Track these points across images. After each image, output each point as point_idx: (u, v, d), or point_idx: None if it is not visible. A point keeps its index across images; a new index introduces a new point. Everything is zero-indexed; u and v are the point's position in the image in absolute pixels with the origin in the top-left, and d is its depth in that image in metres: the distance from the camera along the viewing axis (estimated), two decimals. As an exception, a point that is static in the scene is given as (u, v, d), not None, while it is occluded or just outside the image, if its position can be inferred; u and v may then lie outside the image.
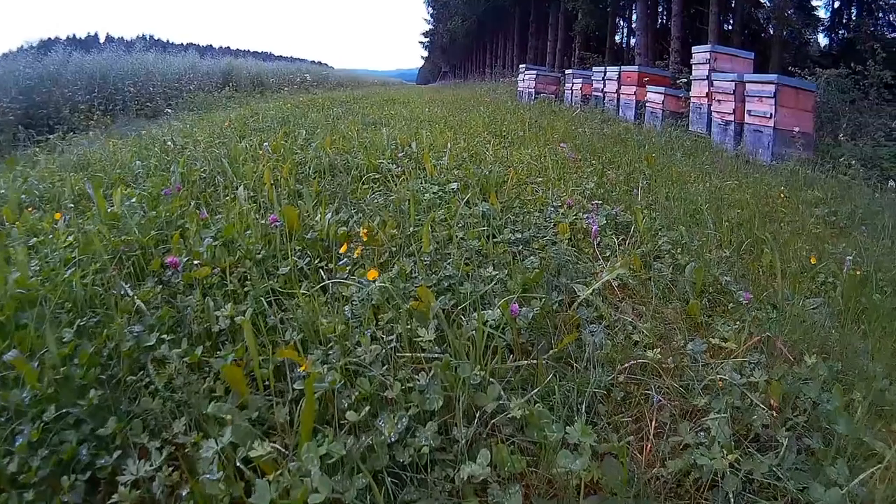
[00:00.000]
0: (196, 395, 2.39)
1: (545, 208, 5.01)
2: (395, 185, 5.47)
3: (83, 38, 44.39)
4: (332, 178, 5.86)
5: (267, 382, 2.49)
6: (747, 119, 10.04)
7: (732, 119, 10.47)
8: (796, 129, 9.25)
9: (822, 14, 22.52)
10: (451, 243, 3.90)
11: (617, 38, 31.38)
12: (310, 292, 3.10)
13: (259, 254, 3.61)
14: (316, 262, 3.64)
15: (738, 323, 3.21)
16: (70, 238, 3.90)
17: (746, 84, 10.18)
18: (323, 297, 3.16)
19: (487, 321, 2.66)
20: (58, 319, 2.91)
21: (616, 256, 3.99)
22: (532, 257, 3.67)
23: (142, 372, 2.55)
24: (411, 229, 4.17)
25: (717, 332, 3.10)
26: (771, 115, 9.41)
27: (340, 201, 4.95)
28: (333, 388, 2.29)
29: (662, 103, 13.21)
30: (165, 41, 48.76)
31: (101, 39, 45.64)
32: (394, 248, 3.86)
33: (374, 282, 2.93)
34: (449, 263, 3.44)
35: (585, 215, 4.68)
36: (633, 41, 29.45)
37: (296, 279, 3.43)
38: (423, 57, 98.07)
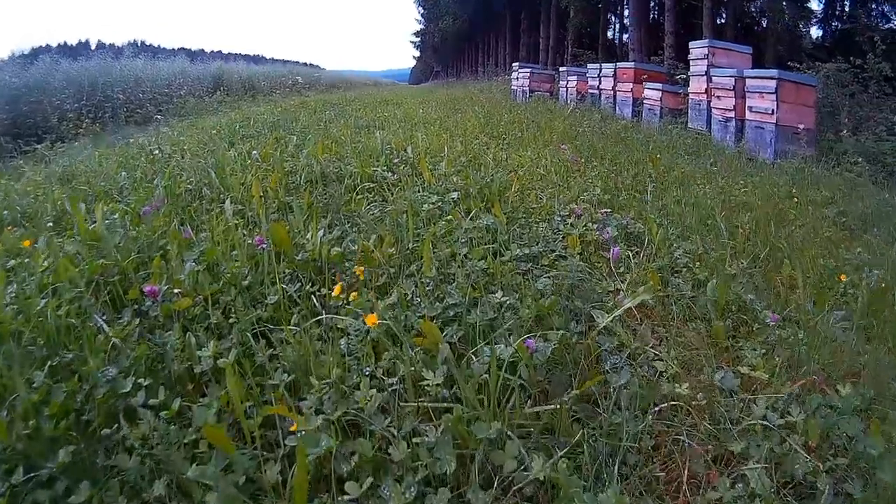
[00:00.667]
0: (177, 452, 2.10)
1: (551, 217, 4.72)
2: (392, 194, 5.18)
3: (74, 45, 43.92)
4: (324, 188, 5.55)
5: (255, 433, 2.20)
6: (748, 115, 9.77)
7: (733, 116, 10.19)
8: (801, 125, 8.99)
9: (815, 6, 22.31)
10: (454, 261, 3.60)
11: (609, 34, 31.20)
12: (301, 327, 2.79)
13: (245, 279, 3.30)
14: (308, 286, 3.31)
15: (765, 347, 2.96)
16: (47, 262, 3.58)
17: (747, 79, 9.92)
18: (316, 328, 2.85)
19: (501, 360, 2.37)
20: (31, 356, 2.63)
21: (631, 271, 3.70)
22: (544, 278, 3.36)
23: (116, 425, 2.26)
24: (410, 245, 3.88)
25: (744, 357, 2.86)
26: (773, 111, 9.15)
27: (333, 215, 4.65)
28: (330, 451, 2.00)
29: (660, 100, 12.90)
30: (156, 46, 48.34)
31: (93, 46, 45.22)
32: (392, 269, 3.55)
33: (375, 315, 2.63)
34: (453, 288, 3.13)
35: (596, 226, 4.40)
36: (625, 37, 29.40)
37: (285, 308, 3.14)
38: (414, 57, 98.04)
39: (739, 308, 3.43)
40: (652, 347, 2.88)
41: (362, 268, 3.27)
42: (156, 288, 3.00)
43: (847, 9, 22.04)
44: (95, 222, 4.23)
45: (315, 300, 3.09)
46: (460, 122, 11.40)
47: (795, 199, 6.03)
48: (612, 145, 8.64)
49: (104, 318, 2.95)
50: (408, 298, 3.03)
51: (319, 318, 2.90)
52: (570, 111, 14.08)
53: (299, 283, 3.33)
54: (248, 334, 2.81)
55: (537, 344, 2.54)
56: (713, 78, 10.91)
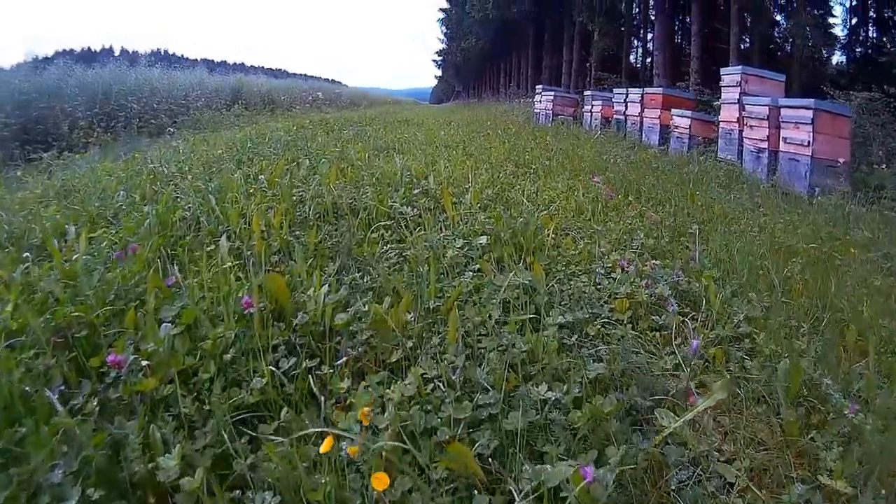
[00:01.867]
0: None
1: (592, 267, 4.13)
2: (411, 233, 4.55)
3: (97, 50, 43.81)
4: (335, 221, 4.97)
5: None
6: (782, 147, 9.18)
7: (766, 146, 9.59)
8: (841, 159, 8.46)
9: (839, 32, 21.76)
10: (484, 328, 2.98)
11: (631, 58, 30.68)
12: (291, 431, 2.17)
13: (229, 350, 2.68)
14: (306, 361, 2.67)
15: (840, 441, 2.43)
16: (11, 305, 2.99)
17: (781, 109, 9.30)
18: (311, 426, 2.23)
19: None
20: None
21: (692, 340, 3.08)
22: (595, 363, 2.73)
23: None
24: (432, 303, 3.27)
25: (820, 457, 2.34)
26: (808, 142, 8.58)
27: (343, 258, 4.04)
28: None
29: (689, 128, 12.30)
30: (179, 56, 48.29)
31: (116, 53, 45.10)
32: (410, 340, 2.92)
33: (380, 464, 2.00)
34: (484, 372, 2.50)
35: (644, 282, 3.77)
36: (648, 61, 28.87)
37: (276, 390, 2.52)
38: (436, 76, 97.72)
39: (808, 386, 2.82)
40: (718, 448, 2.35)
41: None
42: (121, 358, 2.40)
43: (871, 34, 21.42)
44: (78, 252, 3.73)
45: (313, 382, 2.47)
46: (484, 146, 10.82)
47: (839, 241, 5.51)
48: (644, 177, 8.01)
49: (62, 388, 2.40)
50: (428, 388, 2.41)
51: (315, 429, 2.26)
52: (596, 137, 13.48)
53: (295, 358, 2.69)
54: (227, 430, 2.18)
55: (596, 472, 1.90)
56: (746, 106, 10.30)
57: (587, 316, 3.30)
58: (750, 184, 8.73)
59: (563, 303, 3.48)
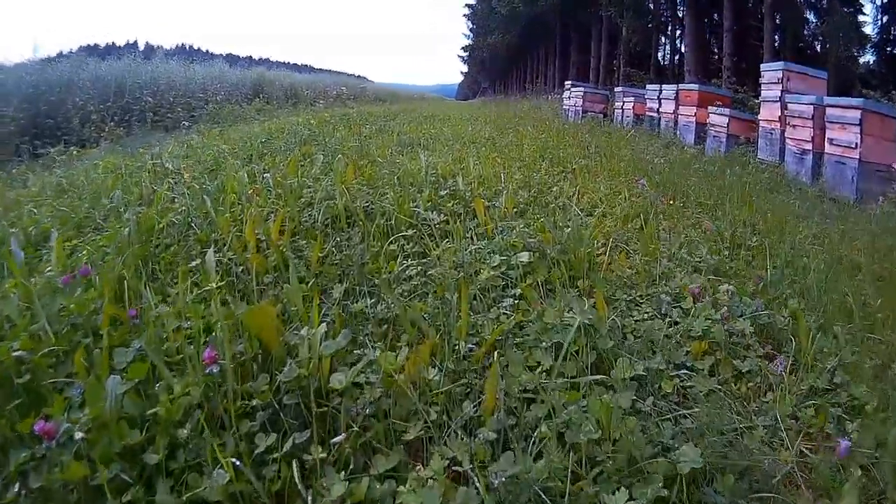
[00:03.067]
0: None
1: (655, 291, 3.41)
2: (437, 244, 3.80)
3: (122, 45, 43.50)
4: (347, 229, 4.25)
5: None
6: (828, 148, 8.41)
7: (810, 148, 8.81)
8: (894, 165, 7.67)
9: (868, 30, 21.02)
10: (534, 383, 2.24)
11: (658, 55, 29.99)
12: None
13: (187, 421, 1.95)
14: (293, 437, 1.93)
15: None
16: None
17: (827, 108, 8.51)
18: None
19: None
20: None
21: (782, 393, 2.37)
22: (683, 447, 1.97)
23: None
24: (463, 345, 2.55)
25: None
26: (856, 144, 7.84)
27: (353, 278, 3.34)
28: None
29: (727, 126, 11.49)
30: (204, 51, 47.90)
31: (141, 47, 44.82)
32: (434, 408, 2.18)
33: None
34: (538, 467, 1.77)
35: (720, 314, 3.03)
36: (675, 59, 28.16)
37: (248, 484, 1.80)
38: (462, 72, 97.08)
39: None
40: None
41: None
42: (51, 426, 1.74)
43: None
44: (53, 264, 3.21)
45: (297, 474, 1.75)
46: (514, 142, 10.08)
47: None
48: (689, 179, 7.29)
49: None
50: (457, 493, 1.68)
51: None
52: (629, 135, 12.72)
53: (276, 434, 1.96)
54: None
55: None
56: (788, 105, 9.52)
57: (662, 366, 2.58)
58: (794, 187, 8.15)
59: (628, 342, 2.77)
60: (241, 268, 3.35)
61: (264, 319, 2.32)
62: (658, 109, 14.81)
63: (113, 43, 44.70)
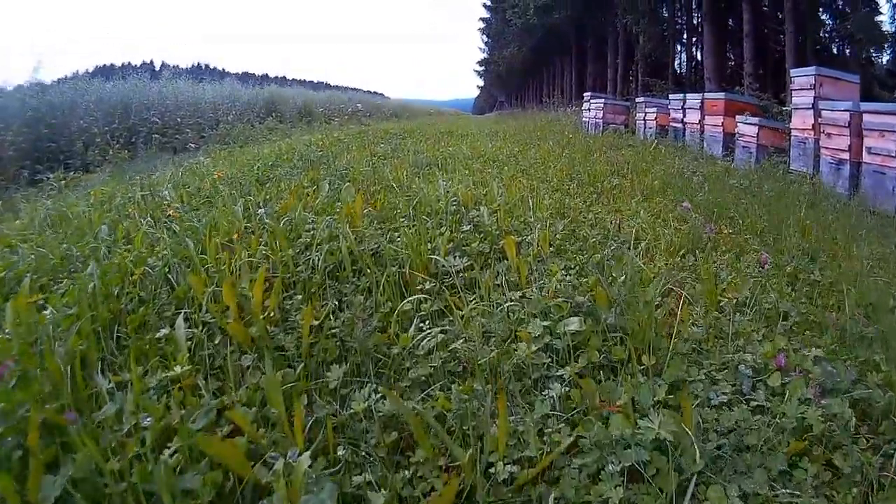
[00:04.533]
0: None
1: (732, 360, 2.68)
2: (461, 299, 3.07)
3: (138, 65, 43.17)
4: (354, 277, 3.51)
5: None
6: (866, 158, 7.65)
7: (847, 157, 8.03)
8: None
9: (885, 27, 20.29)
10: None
11: (675, 63, 29.30)
12: None
13: None
14: None
15: None
16: None
17: (864, 115, 7.74)
18: None
19: None
20: None
21: None
22: None
23: None
24: (502, 471, 1.82)
25: None
26: None
27: (355, 357, 2.62)
28: None
29: (756, 136, 10.69)
30: (220, 70, 47.57)
31: (157, 67, 44.55)
32: None
33: None
34: None
35: (812, 392, 2.29)
36: (692, 66, 27.45)
37: None
38: (478, 86, 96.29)
39: None
40: None
41: None
42: None
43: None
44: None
45: None
46: (538, 159, 9.35)
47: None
48: (732, 198, 6.57)
49: None
50: None
51: None
52: (654, 148, 11.97)
53: None
54: None
55: None
56: (823, 112, 8.72)
57: (762, 488, 1.85)
58: (833, 200, 7.35)
59: (711, 441, 2.05)
60: (215, 344, 2.65)
61: (229, 451, 1.62)
62: (682, 120, 14.02)
63: (129, 63, 44.36)
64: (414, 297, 3.04)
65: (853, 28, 18.41)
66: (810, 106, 9.21)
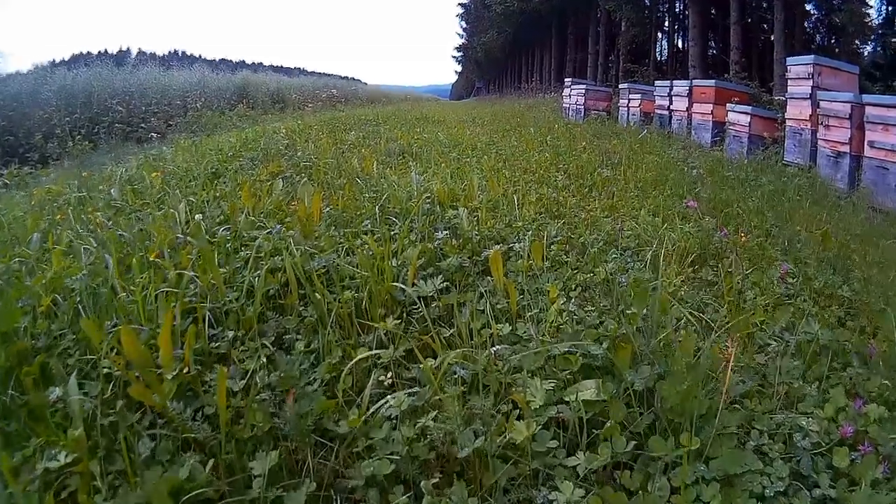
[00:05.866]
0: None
1: (781, 424, 2.05)
2: (434, 338, 2.37)
3: (115, 53, 42.21)
4: (302, 307, 2.76)
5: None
6: (867, 152, 7.09)
7: (847, 150, 7.45)
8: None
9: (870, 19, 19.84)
10: None
11: (655, 51, 28.78)
12: None
13: None
14: None
15: None
16: None
17: (866, 107, 7.15)
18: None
19: None
20: None
21: None
22: None
23: None
24: None
25: None
26: None
27: (289, 446, 1.92)
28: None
29: (749, 125, 10.07)
30: (197, 56, 46.69)
31: (133, 54, 43.57)
32: None
33: None
34: None
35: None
36: (675, 54, 26.89)
37: None
38: (456, 72, 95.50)
39: None
40: None
41: None
42: None
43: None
44: None
45: None
46: (519, 148, 8.66)
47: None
48: (731, 194, 5.94)
49: None
50: None
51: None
52: (641, 136, 11.31)
53: None
54: None
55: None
56: (821, 103, 8.11)
57: None
58: (833, 196, 6.84)
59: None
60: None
61: None
62: (669, 107, 13.41)
63: (105, 50, 43.32)
64: (367, 353, 2.28)
65: (843, 19, 17.88)
66: (808, 96, 8.60)
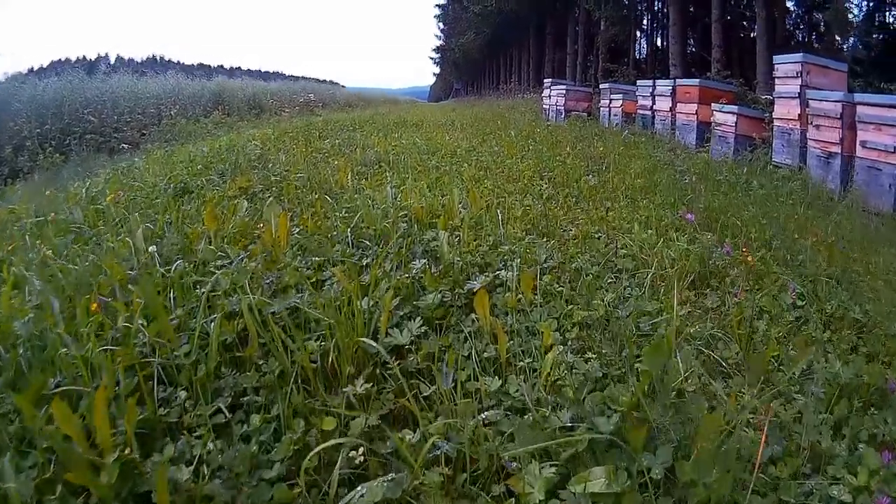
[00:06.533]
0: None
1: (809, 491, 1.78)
2: (412, 402, 2.01)
3: (93, 59, 41.69)
4: (263, 362, 2.34)
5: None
6: (860, 152, 6.87)
7: (838, 151, 7.21)
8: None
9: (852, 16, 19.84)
10: None
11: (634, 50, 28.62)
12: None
13: None
14: None
15: None
16: None
17: (857, 106, 6.93)
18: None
19: None
20: None
21: None
22: None
23: None
24: None
25: None
26: (895, 148, 6.33)
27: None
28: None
29: (735, 126, 9.77)
30: (176, 62, 46.16)
31: (112, 60, 43.02)
32: None
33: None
34: None
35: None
36: (652, 52, 26.71)
37: None
38: (434, 73, 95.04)
39: None
40: None
41: None
42: None
43: (889, 20, 19.51)
44: None
45: None
46: (500, 153, 8.34)
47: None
48: (733, 204, 5.61)
49: None
50: None
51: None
52: (624, 138, 11.01)
53: None
54: None
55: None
56: (811, 102, 7.86)
57: None
58: (826, 198, 6.69)
59: None
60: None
61: None
62: (652, 107, 13.16)
63: (84, 57, 42.77)
64: (334, 442, 1.89)
65: (828, 17, 17.76)
66: (796, 95, 8.36)
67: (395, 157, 7.59)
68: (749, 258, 3.73)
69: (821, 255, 4.07)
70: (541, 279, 3.14)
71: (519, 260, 3.30)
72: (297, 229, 3.91)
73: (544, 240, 4.00)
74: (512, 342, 2.45)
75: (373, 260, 3.27)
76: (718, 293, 3.33)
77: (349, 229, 3.76)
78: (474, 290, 2.74)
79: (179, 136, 13.47)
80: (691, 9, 22.23)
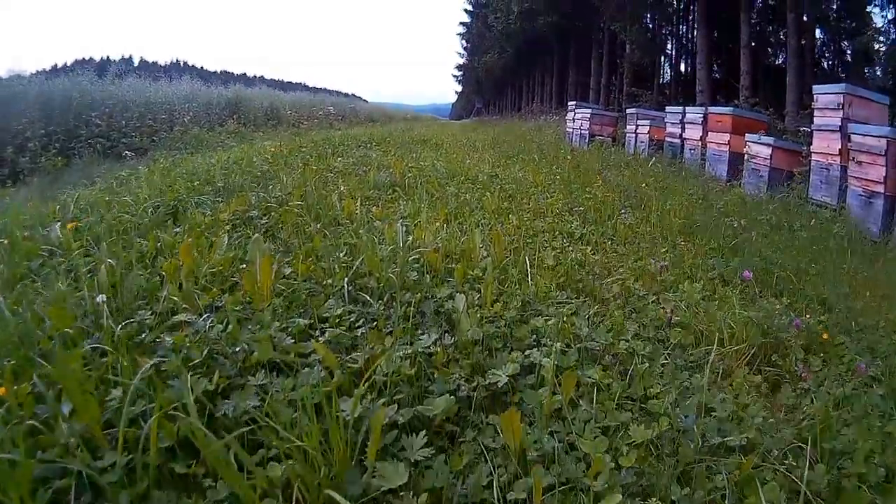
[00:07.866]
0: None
1: None
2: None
3: (116, 60, 41.61)
4: (213, 486, 1.70)
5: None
6: None
7: (881, 191, 6.67)
8: None
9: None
10: None
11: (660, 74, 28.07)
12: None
13: None
14: None
15: None
16: None
17: None
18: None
19: None
20: None
21: None
22: None
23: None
24: None
25: None
26: None
27: None
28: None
29: (770, 158, 9.14)
30: (199, 67, 46.02)
31: (136, 63, 42.97)
32: None
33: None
34: None
35: None
36: (678, 77, 26.19)
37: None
38: (456, 92, 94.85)
39: None
40: None
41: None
42: None
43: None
44: None
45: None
46: (524, 180, 7.76)
47: None
48: (788, 256, 4.96)
49: None
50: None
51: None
52: (652, 166, 10.39)
53: None
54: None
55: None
56: (853, 137, 7.31)
57: None
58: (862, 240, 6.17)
59: None
60: None
61: None
62: (681, 135, 12.54)
63: (108, 57, 42.73)
64: None
65: (859, 46, 17.22)
66: (837, 128, 7.76)
67: (412, 181, 6.95)
68: (825, 335, 3.07)
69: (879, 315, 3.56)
70: (583, 369, 2.45)
71: (555, 333, 2.63)
72: (289, 270, 3.28)
73: (581, 299, 3.35)
74: (546, 468, 1.79)
75: (368, 330, 2.59)
76: (787, 378, 2.69)
77: (346, 278, 3.09)
78: (499, 385, 2.08)
79: (191, 144, 12.99)
80: (715, 34, 21.68)
